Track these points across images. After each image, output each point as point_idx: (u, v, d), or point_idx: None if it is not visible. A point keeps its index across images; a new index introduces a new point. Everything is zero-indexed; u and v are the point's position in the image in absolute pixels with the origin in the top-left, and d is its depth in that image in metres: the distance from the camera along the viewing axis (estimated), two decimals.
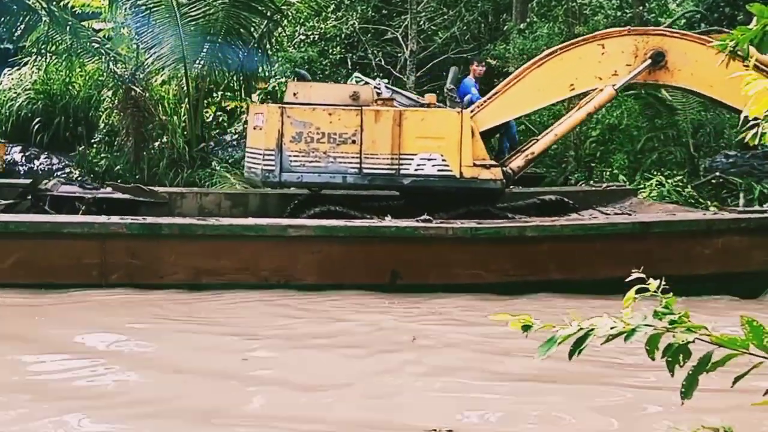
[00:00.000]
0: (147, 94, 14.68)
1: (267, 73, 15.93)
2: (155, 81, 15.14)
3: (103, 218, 8.52)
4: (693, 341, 1.94)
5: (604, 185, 12.21)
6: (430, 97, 10.19)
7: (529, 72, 9.98)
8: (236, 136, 16.06)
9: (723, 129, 14.74)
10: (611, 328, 1.74)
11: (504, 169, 9.76)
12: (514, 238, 8.74)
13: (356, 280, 8.39)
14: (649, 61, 9.79)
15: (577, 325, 1.71)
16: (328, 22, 17.54)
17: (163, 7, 13.72)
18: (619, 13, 17.00)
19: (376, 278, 8.42)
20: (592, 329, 1.71)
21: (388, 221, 8.94)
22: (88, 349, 6.26)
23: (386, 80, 12.87)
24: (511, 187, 10.33)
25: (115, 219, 8.43)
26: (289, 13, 16.92)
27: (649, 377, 5.27)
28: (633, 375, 5.48)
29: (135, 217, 8.68)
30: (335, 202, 9.75)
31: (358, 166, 9.39)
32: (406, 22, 16.10)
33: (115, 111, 15.08)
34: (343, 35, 17.44)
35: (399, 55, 16.83)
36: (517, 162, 9.92)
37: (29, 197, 10.12)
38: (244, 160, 10.50)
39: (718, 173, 13.88)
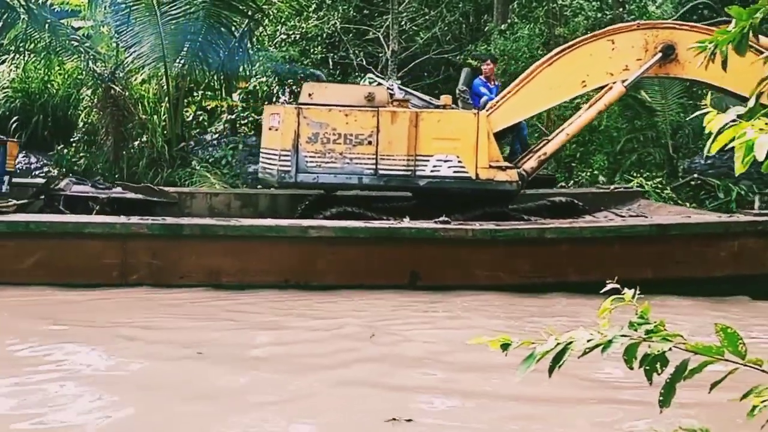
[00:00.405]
0: (126, 93, 14.59)
1: (248, 73, 15.87)
2: (135, 80, 15.05)
3: (123, 219, 8.55)
4: (670, 350, 1.95)
5: (612, 187, 12.33)
6: (445, 99, 10.23)
7: (540, 71, 10.01)
8: (216, 135, 15.99)
9: (702, 130, 14.82)
10: (588, 341, 1.74)
11: (518, 170, 9.83)
12: (534, 239, 8.81)
13: (376, 281, 8.39)
14: (659, 54, 9.82)
15: (555, 340, 1.71)
16: (309, 21, 17.51)
17: (143, 5, 13.64)
18: (599, 15, 17.09)
19: (396, 279, 8.44)
20: (570, 343, 1.72)
21: (407, 222, 8.95)
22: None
23: (398, 81, 12.72)
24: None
25: (135, 219, 8.48)
26: (270, 13, 16.88)
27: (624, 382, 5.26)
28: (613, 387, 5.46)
29: (156, 218, 8.74)
30: (348, 203, 9.79)
31: (374, 167, 9.47)
32: (387, 23, 16.11)
33: (94, 110, 14.96)
34: (324, 35, 17.42)
35: (380, 55, 16.84)
36: (530, 163, 10.00)
37: (42, 197, 10.15)
38: (259, 161, 10.51)
39: (696, 174, 14.01)
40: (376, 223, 8.93)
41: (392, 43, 15.59)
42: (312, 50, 17.30)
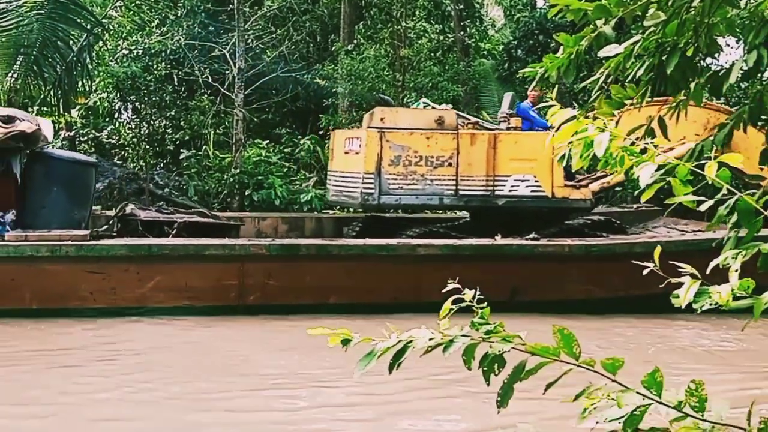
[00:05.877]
0: None
1: (87, 88, 15.28)
2: None
3: (241, 241, 8.89)
4: (509, 351, 2.01)
5: (635, 206, 12.91)
6: (516, 121, 10.65)
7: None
8: None
9: None
10: (430, 339, 1.78)
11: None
12: (624, 254, 9.14)
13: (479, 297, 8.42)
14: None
15: (396, 338, 1.74)
16: (152, 37, 17.06)
17: None
18: (441, 38, 17.60)
19: (497, 295, 8.36)
20: (410, 341, 1.75)
21: (499, 240, 9.30)
22: None
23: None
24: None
25: (250, 241, 8.83)
26: (111, 27, 16.35)
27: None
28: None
29: (270, 239, 9.05)
30: (398, 226, 10.20)
31: (454, 187, 9.85)
32: (233, 40, 15.92)
33: None
34: (168, 51, 17.02)
35: (227, 72, 16.61)
36: (593, 186, 10.39)
37: (113, 221, 10.02)
38: (328, 183, 10.85)
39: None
40: (481, 241, 9.29)
41: (239, 61, 15.41)
42: (155, 66, 16.85)
